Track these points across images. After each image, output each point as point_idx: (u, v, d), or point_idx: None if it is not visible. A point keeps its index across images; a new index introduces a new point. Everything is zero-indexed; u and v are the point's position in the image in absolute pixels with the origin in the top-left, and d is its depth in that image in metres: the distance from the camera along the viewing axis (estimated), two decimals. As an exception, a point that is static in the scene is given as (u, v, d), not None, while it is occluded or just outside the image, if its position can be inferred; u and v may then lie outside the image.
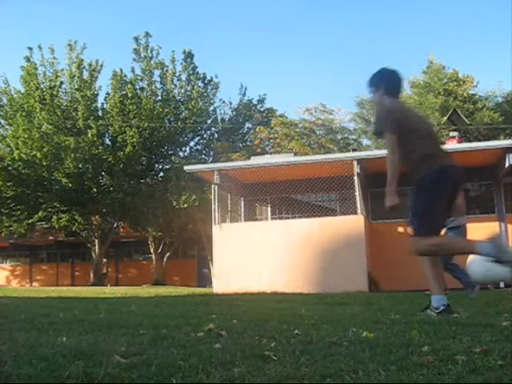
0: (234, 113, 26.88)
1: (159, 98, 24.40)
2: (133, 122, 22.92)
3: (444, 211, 3.82)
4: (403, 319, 3.49)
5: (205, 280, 24.68)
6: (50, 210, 24.99)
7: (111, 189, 24.00)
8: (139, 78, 24.47)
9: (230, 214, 13.16)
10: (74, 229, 26.20)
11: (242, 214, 13.86)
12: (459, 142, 13.26)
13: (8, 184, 23.86)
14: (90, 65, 24.47)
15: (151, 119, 23.09)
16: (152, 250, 28.20)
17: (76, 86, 24.02)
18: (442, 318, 3.42)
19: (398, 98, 4.12)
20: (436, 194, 3.73)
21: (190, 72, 25.00)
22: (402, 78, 4.06)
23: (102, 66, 24.71)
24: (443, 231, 4.00)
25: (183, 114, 24.55)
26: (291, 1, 54.35)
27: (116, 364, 2.05)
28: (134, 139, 22.70)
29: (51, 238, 30.41)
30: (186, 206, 21.55)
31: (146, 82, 24.42)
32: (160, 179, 25.63)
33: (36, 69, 24.14)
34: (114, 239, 28.53)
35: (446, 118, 21.06)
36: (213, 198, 12.24)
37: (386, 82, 4.03)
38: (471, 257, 10.98)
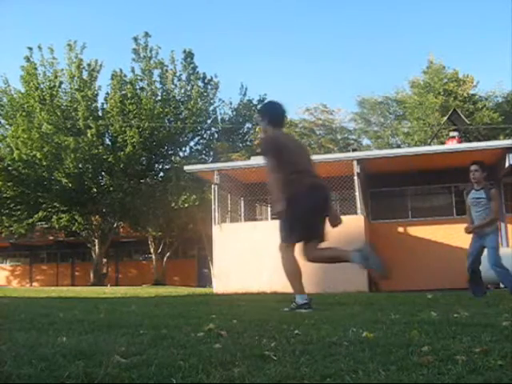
0: (234, 113, 26.89)
1: (159, 97, 24.41)
2: (133, 122, 22.93)
3: (316, 222, 4.47)
4: (403, 319, 3.49)
5: (205, 280, 24.69)
6: (49, 209, 25.00)
7: (111, 189, 24.00)
8: (139, 78, 24.48)
9: (230, 214, 13.16)
10: (73, 229, 26.21)
11: (242, 214, 13.86)
12: (459, 141, 13.28)
13: (8, 184, 23.86)
14: (90, 65, 24.48)
15: (151, 119, 23.09)
16: (152, 250, 28.22)
17: (76, 86, 24.03)
18: (307, 312, 4.17)
19: (281, 128, 4.80)
20: (306, 208, 4.36)
21: (190, 72, 25.00)
22: (284, 111, 4.76)
23: (101, 65, 24.75)
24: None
25: (183, 113, 24.56)
26: (291, 1, 54.37)
27: (116, 364, 2.05)
28: (134, 139, 22.70)
29: (51, 238, 30.42)
30: (186, 205, 21.56)
31: (145, 82, 24.43)
32: (160, 179, 25.64)
33: (36, 69, 24.15)
34: (113, 239, 28.54)
35: (446, 118, 21.07)
36: (213, 198, 12.24)
37: (270, 114, 4.70)
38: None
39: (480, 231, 6.32)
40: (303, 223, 4.37)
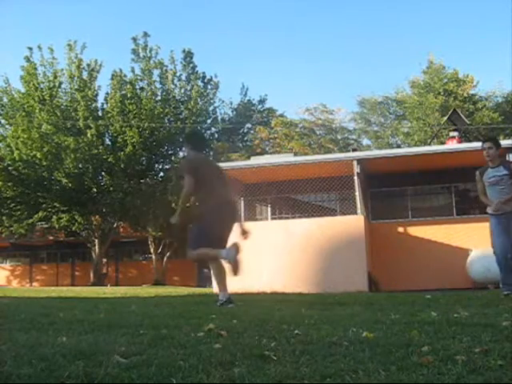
0: (234, 113, 26.90)
1: (159, 97, 24.41)
2: (133, 122, 22.93)
3: (220, 233, 5.24)
4: (403, 319, 3.49)
5: (205, 280, 24.65)
6: (49, 209, 25.00)
7: (111, 189, 24.00)
8: (139, 78, 24.48)
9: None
10: (73, 229, 26.20)
11: (242, 214, 13.85)
12: (459, 141, 13.27)
13: (8, 184, 23.85)
14: (89, 65, 24.47)
15: (151, 119, 23.09)
16: (152, 250, 28.21)
17: (76, 86, 24.02)
18: (231, 307, 4.92)
19: (202, 153, 5.80)
20: (211, 221, 5.18)
21: (190, 71, 25.01)
22: (204, 138, 5.98)
23: (101, 65, 24.73)
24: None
25: (183, 113, 24.56)
26: (291, 1, 54.38)
27: (116, 364, 2.05)
28: (134, 139, 22.70)
29: (51, 238, 30.41)
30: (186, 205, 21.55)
31: (145, 82, 24.43)
32: (160, 179, 25.64)
33: (36, 69, 24.14)
34: (114, 239, 28.53)
35: (446, 118, 21.07)
36: (213, 198, 12.22)
37: (193, 141, 5.67)
38: (471, 257, 11.01)
39: (504, 210, 5.95)
40: (209, 234, 5.15)
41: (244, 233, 5.42)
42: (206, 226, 5.18)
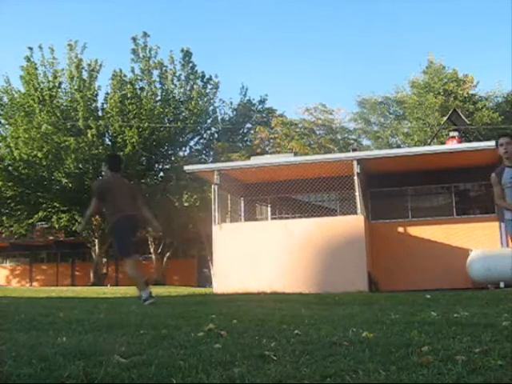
0: (234, 113, 26.88)
1: (159, 98, 24.40)
2: (133, 122, 22.92)
3: (129, 241, 6.36)
4: (403, 319, 3.49)
5: (205, 280, 24.67)
6: (49, 210, 24.99)
7: (111, 189, 23.95)
8: (139, 78, 24.47)
9: (230, 214, 13.16)
10: (73, 229, 26.19)
11: (242, 214, 13.85)
12: (459, 141, 13.25)
13: (8, 184, 23.84)
14: (90, 65, 24.45)
15: (151, 119, 23.09)
16: (152, 250, 28.21)
17: (76, 87, 24.00)
18: (150, 302, 5.92)
19: (117, 172, 6.67)
20: (121, 231, 6.27)
21: (189, 71, 24.99)
22: (120, 161, 6.97)
23: (101, 65, 24.70)
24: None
25: (183, 114, 24.55)
26: (291, 1, 54.39)
27: (116, 364, 2.05)
28: (134, 139, 22.69)
29: (51, 238, 30.40)
30: (187, 204, 21.56)
31: (145, 82, 24.42)
32: (160, 179, 25.63)
33: (36, 69, 24.12)
34: (114, 239, 28.50)
35: (446, 118, 21.05)
36: (213, 198, 12.23)
37: (110, 163, 6.72)
38: (471, 257, 11.01)
39: None
40: (120, 242, 6.34)
41: (154, 229, 6.70)
42: (118, 235, 6.36)
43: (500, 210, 12.52)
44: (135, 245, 6.53)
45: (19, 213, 25.22)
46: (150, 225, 7.29)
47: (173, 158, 25.27)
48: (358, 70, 57.76)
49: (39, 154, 22.40)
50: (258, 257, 11.26)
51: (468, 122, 21.60)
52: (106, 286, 22.70)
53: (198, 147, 26.58)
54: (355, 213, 11.31)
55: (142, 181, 25.01)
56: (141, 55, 24.38)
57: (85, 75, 24.24)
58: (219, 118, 26.77)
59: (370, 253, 11.50)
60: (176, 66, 24.84)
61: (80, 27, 47.66)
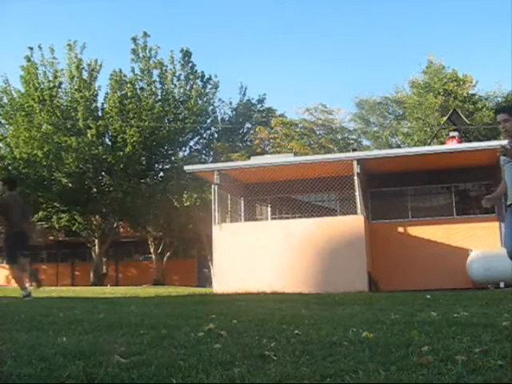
0: (234, 113, 26.88)
1: (159, 97, 24.40)
2: (133, 121, 22.92)
3: (17, 252, 7.97)
4: (403, 319, 3.49)
5: (205, 280, 24.66)
6: (49, 209, 24.99)
7: (111, 189, 23.99)
8: (139, 77, 24.47)
9: (230, 214, 13.15)
10: (73, 229, 26.19)
11: (242, 214, 13.85)
12: (459, 141, 13.25)
13: (8, 184, 23.80)
14: (90, 65, 24.45)
15: (151, 119, 23.08)
16: (152, 250, 28.21)
17: (76, 87, 24.00)
18: (29, 299, 7.27)
19: (15, 191, 8.30)
20: (13, 244, 7.90)
21: (189, 71, 24.98)
22: (16, 182, 8.69)
23: (101, 65, 24.71)
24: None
25: (183, 113, 24.54)
26: (291, 1, 54.38)
27: (116, 364, 2.05)
28: (134, 139, 22.69)
29: (51, 237, 30.40)
30: (187, 204, 21.55)
31: (145, 82, 24.42)
32: (160, 179, 25.62)
33: (36, 69, 24.12)
34: (113, 239, 28.52)
35: (446, 118, 21.04)
36: (213, 198, 12.23)
37: (8, 184, 8.35)
38: (471, 257, 11.01)
39: None
40: (10, 251, 7.92)
41: (40, 236, 7.66)
42: (10, 247, 7.87)
43: (499, 211, 12.52)
44: (29, 254, 8.11)
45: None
46: (33, 237, 9.65)
47: (173, 158, 25.26)
48: (358, 70, 57.77)
49: (39, 154, 22.40)
50: (258, 257, 11.26)
51: (468, 122, 21.59)
52: (106, 285, 22.71)
53: (198, 147, 26.59)
54: (355, 213, 11.31)
55: (142, 181, 25.00)
56: (141, 55, 24.37)
57: (85, 75, 24.25)
58: (219, 117, 26.78)
59: (370, 253, 11.50)
60: (176, 66, 24.85)
61: (80, 27, 47.67)
